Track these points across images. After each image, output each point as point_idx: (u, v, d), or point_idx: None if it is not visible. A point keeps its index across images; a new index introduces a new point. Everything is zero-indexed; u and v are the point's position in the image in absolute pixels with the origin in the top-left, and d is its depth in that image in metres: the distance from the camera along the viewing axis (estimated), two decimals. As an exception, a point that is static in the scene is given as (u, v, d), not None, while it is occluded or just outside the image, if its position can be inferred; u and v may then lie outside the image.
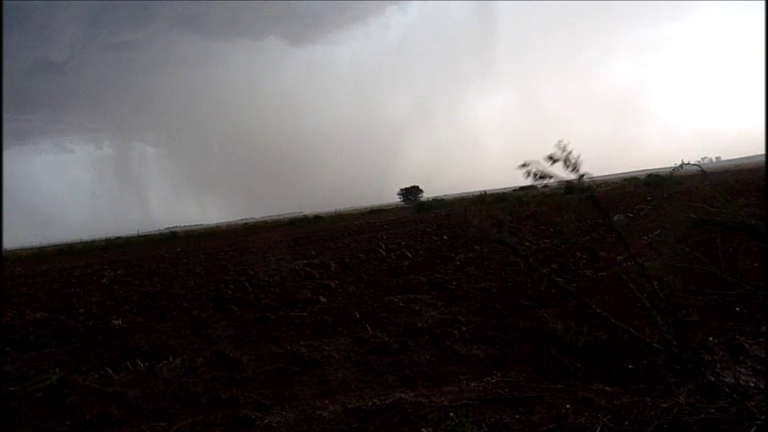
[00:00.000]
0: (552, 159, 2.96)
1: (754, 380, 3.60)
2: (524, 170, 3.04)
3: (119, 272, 16.92)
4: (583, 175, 3.00)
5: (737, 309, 4.69)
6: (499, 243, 3.19)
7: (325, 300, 7.86)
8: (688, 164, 4.45)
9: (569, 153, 2.92)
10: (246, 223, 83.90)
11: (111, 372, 5.26)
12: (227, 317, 7.53)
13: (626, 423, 3.10)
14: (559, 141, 2.95)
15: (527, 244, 11.46)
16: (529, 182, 3.08)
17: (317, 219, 56.86)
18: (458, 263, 10.25)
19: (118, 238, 60.91)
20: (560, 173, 3.00)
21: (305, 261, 13.64)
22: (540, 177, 3.02)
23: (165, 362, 5.41)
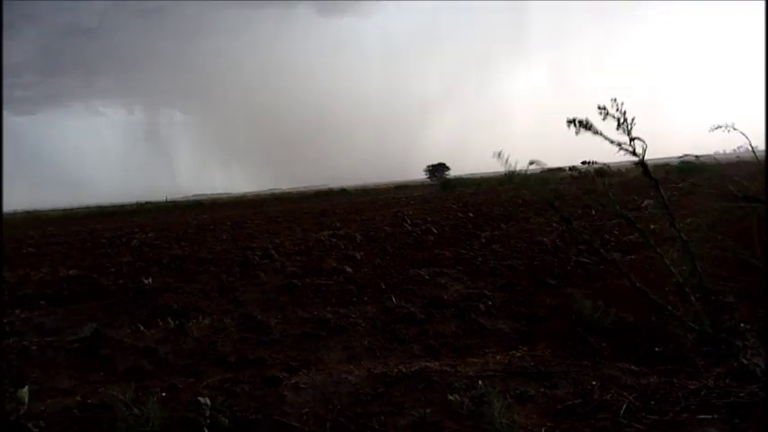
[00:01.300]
0: (604, 112, 2.87)
1: (785, 367, 3.55)
2: (571, 125, 2.95)
3: (149, 235, 17.27)
4: (634, 139, 2.93)
5: (770, 298, 4.60)
6: (548, 204, 3.16)
7: (350, 270, 7.92)
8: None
9: (624, 112, 2.84)
10: (273, 193, 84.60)
11: (142, 328, 5.41)
12: (255, 282, 7.65)
13: (652, 402, 3.09)
14: (614, 99, 2.87)
15: (554, 224, 11.37)
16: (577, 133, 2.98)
17: (343, 192, 57.08)
18: (483, 240, 10.22)
19: (147, 202, 61.90)
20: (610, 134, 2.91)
21: (330, 232, 13.73)
22: (587, 128, 2.92)
23: (194, 321, 5.53)
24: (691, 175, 30.76)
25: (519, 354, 4.07)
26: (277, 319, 5.45)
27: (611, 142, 2.96)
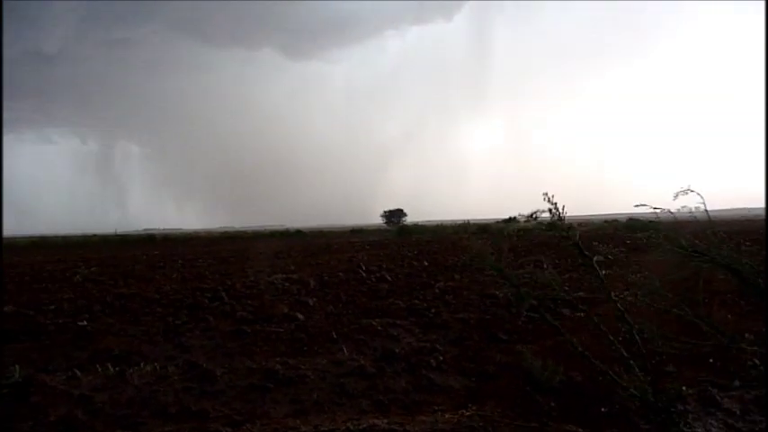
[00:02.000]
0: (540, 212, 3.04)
1: (724, 433, 3.63)
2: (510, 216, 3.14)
3: (93, 270, 16.66)
4: (568, 228, 3.10)
5: (711, 360, 4.74)
6: (496, 272, 3.23)
7: (302, 317, 7.80)
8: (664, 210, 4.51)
9: (555, 204, 2.99)
10: (226, 232, 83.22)
11: (79, 373, 5.16)
12: (202, 326, 7.42)
13: (597, 467, 3.11)
14: (545, 194, 3.05)
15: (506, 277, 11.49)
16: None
17: (299, 233, 56.62)
18: (437, 290, 10.24)
19: (94, 235, 59.94)
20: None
21: (284, 275, 13.54)
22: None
23: (135, 368, 5.31)
24: (638, 231, 31.82)
25: (468, 413, 4.04)
26: (223, 369, 5.28)
27: (549, 228, 3.14)
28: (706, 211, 4.59)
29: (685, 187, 4.20)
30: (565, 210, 3.05)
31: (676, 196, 3.99)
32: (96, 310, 8.82)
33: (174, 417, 4.19)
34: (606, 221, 51.80)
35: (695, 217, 4.73)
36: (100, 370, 5.27)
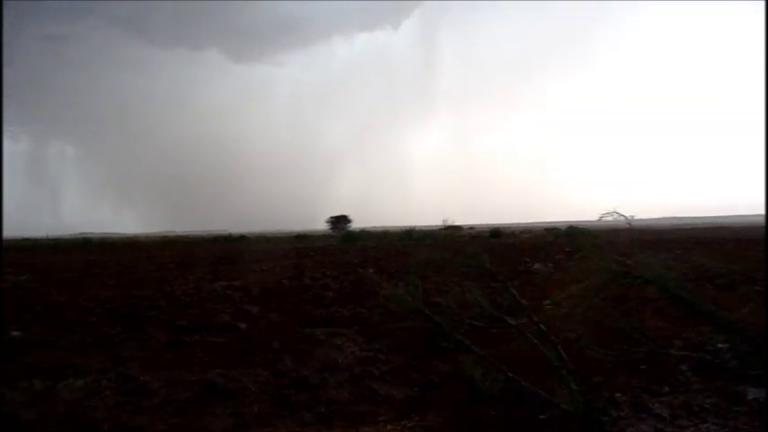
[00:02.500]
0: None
1: (655, 438, 3.78)
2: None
3: (23, 277, 15.84)
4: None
5: (643, 366, 4.94)
6: (418, 314, 3.27)
7: (244, 326, 7.66)
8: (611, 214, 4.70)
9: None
10: (166, 237, 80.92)
11: (5, 389, 4.89)
12: (139, 336, 7.17)
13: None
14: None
15: (450, 284, 11.65)
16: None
17: (242, 239, 55.72)
18: (382, 298, 10.25)
19: (25, 239, 57.11)
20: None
21: (226, 282, 13.28)
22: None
23: (66, 382, 5.08)
24: (577, 239, 32.94)
25: (410, 423, 4.07)
26: (161, 382, 5.11)
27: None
28: (629, 223, 4.81)
29: (611, 209, 4.41)
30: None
31: (601, 217, 4.17)
32: (26, 320, 8.39)
33: (107, 434, 4.02)
34: (547, 229, 53.37)
35: (629, 224, 4.95)
36: (28, 385, 5.01)
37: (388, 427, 4.03)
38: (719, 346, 5.14)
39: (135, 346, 6.70)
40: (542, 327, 4.35)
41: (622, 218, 4.77)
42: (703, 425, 3.99)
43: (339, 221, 77.00)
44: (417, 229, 53.27)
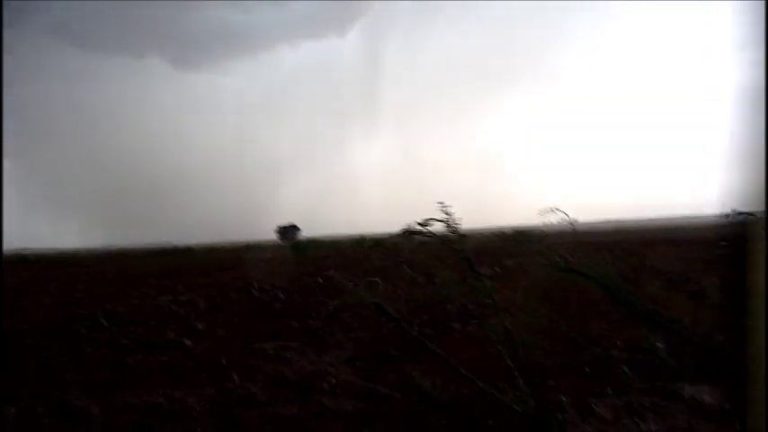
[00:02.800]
0: (434, 219, 3.06)
1: (598, 439, 3.89)
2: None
3: (-49, 299, 14.97)
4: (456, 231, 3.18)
5: (587, 369, 5.07)
6: (375, 307, 3.26)
7: (190, 342, 7.45)
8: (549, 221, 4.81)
9: (451, 215, 3.06)
10: (108, 251, 78.16)
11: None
12: (78, 358, 6.87)
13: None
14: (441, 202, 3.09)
15: (400, 293, 11.70)
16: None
17: (189, 251, 54.45)
18: (331, 308, 10.19)
19: (-48, 257, 53.90)
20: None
21: (171, 297, 12.92)
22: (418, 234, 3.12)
23: (-2, 411, 4.80)
24: (523, 243, 33.63)
25: (361, 437, 4.04)
26: (101, 406, 4.90)
27: (441, 242, 3.20)
28: (571, 224, 4.95)
29: (553, 207, 4.53)
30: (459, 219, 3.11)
31: (542, 213, 4.27)
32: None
33: (43, 464, 3.83)
34: (494, 234, 54.25)
35: (573, 226, 5.10)
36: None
37: (338, 442, 3.99)
38: (658, 345, 5.33)
39: (74, 369, 6.40)
40: (490, 333, 4.40)
41: (566, 220, 4.89)
42: (644, 424, 4.13)
43: (288, 231, 76.20)
44: (369, 236, 53.29)
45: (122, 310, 11.14)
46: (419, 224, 3.42)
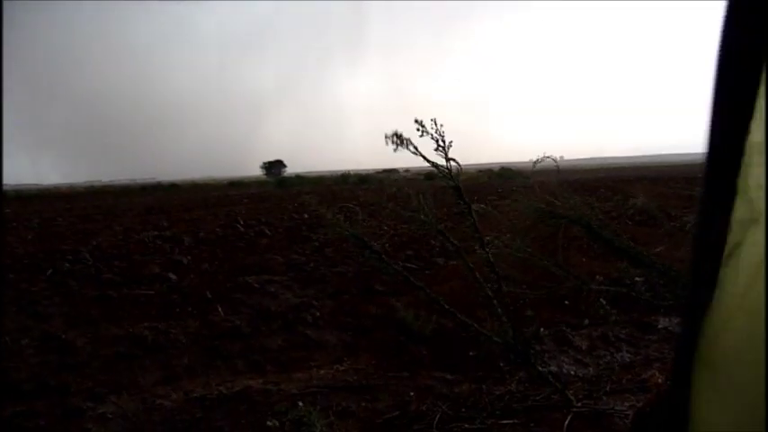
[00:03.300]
0: (421, 131, 2.95)
1: (574, 368, 4.01)
2: (391, 139, 3.01)
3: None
4: (450, 160, 3.10)
5: (566, 302, 5.18)
6: (353, 239, 3.24)
7: (175, 277, 7.47)
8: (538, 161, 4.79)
9: (443, 134, 2.98)
10: (92, 187, 77.36)
11: None
12: (62, 292, 6.87)
13: (463, 410, 3.31)
14: (432, 120, 2.99)
15: (385, 228, 11.78)
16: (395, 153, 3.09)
17: (173, 187, 54.06)
18: (317, 243, 10.24)
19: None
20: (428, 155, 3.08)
21: (156, 233, 12.87)
22: (404, 145, 3.01)
23: (-18, 343, 4.83)
24: (510, 180, 33.86)
25: (343, 367, 4.12)
26: (86, 338, 4.94)
27: (429, 163, 3.10)
28: (557, 166, 4.94)
29: (544, 154, 4.50)
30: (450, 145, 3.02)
31: (536, 163, 4.24)
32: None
33: (30, 394, 3.87)
34: (481, 171, 54.43)
35: (558, 166, 5.10)
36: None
37: (321, 371, 4.07)
38: (636, 279, 5.44)
39: (58, 302, 6.41)
40: (471, 266, 4.43)
41: (552, 158, 4.86)
42: (618, 354, 4.26)
43: (274, 167, 75.79)
44: (353, 173, 53.23)
45: (106, 245, 11.11)
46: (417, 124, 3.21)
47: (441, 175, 3.12)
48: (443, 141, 3.06)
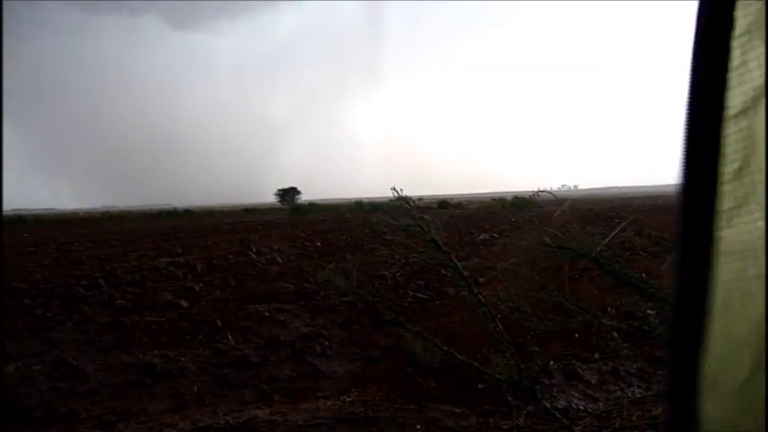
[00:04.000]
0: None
1: (583, 403, 3.96)
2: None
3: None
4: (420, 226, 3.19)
5: (576, 335, 5.13)
6: (352, 295, 3.30)
7: (186, 304, 7.52)
8: (545, 191, 4.81)
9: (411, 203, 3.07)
10: (108, 212, 78.31)
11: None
12: (76, 318, 6.94)
13: (469, 444, 3.28)
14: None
15: (397, 257, 11.79)
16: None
17: (188, 213, 54.57)
18: (328, 272, 10.24)
19: (-47, 216, 53.78)
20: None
21: (169, 259, 12.98)
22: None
23: (-5, 368, 4.89)
24: (523, 209, 33.81)
25: (350, 398, 4.11)
26: (96, 365, 4.98)
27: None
28: (560, 203, 4.97)
29: (562, 184, 4.53)
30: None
31: (537, 194, 4.28)
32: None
33: (40, 420, 3.91)
34: (494, 199, 54.42)
35: (571, 195, 5.11)
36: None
37: (328, 402, 4.06)
38: (648, 312, 5.39)
39: (71, 328, 6.49)
40: (482, 299, 4.43)
41: (566, 187, 4.87)
42: (629, 389, 4.21)
43: (288, 194, 76.17)
44: (366, 200, 53.44)
45: (120, 271, 11.21)
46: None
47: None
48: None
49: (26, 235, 26.35)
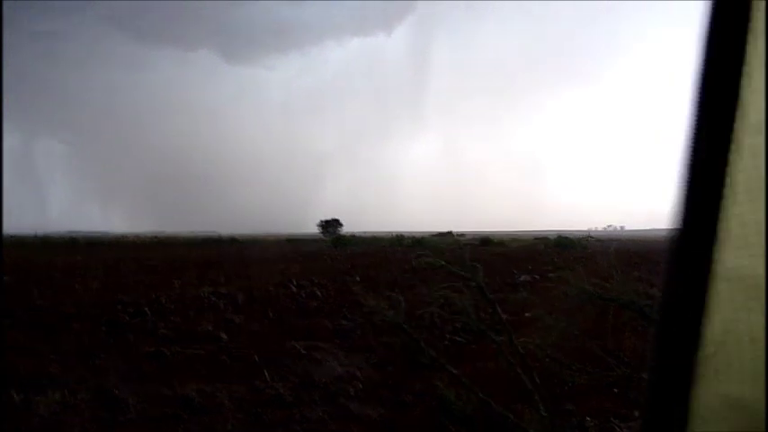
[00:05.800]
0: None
1: (621, 465, 3.84)
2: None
3: (5, 279, 15.69)
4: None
5: (615, 390, 4.99)
6: (399, 329, 3.31)
7: (226, 336, 7.66)
8: (592, 237, 4.77)
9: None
10: (156, 237, 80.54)
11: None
12: (120, 345, 7.15)
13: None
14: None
15: (437, 295, 11.69)
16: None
17: (233, 241, 55.61)
18: (366, 310, 10.26)
19: (11, 236, 56.31)
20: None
21: (212, 289, 13.24)
22: None
23: (42, 396, 5.05)
24: (567, 249, 33.13)
25: (381, 445, 4.10)
26: (137, 396, 5.11)
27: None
28: (600, 242, 4.88)
29: (608, 225, 4.48)
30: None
31: (587, 238, 4.23)
32: (5, 325, 8.33)
33: (80, 449, 4.03)
34: (537, 238, 53.61)
35: (619, 235, 5.04)
36: (5, 397, 4.99)
37: (359, 447, 4.06)
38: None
39: (115, 356, 6.67)
40: (520, 349, 4.39)
41: (611, 228, 4.82)
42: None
43: (330, 225, 76.80)
44: (407, 235, 53.46)
45: (164, 299, 11.49)
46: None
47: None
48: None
49: (78, 257, 27.29)
